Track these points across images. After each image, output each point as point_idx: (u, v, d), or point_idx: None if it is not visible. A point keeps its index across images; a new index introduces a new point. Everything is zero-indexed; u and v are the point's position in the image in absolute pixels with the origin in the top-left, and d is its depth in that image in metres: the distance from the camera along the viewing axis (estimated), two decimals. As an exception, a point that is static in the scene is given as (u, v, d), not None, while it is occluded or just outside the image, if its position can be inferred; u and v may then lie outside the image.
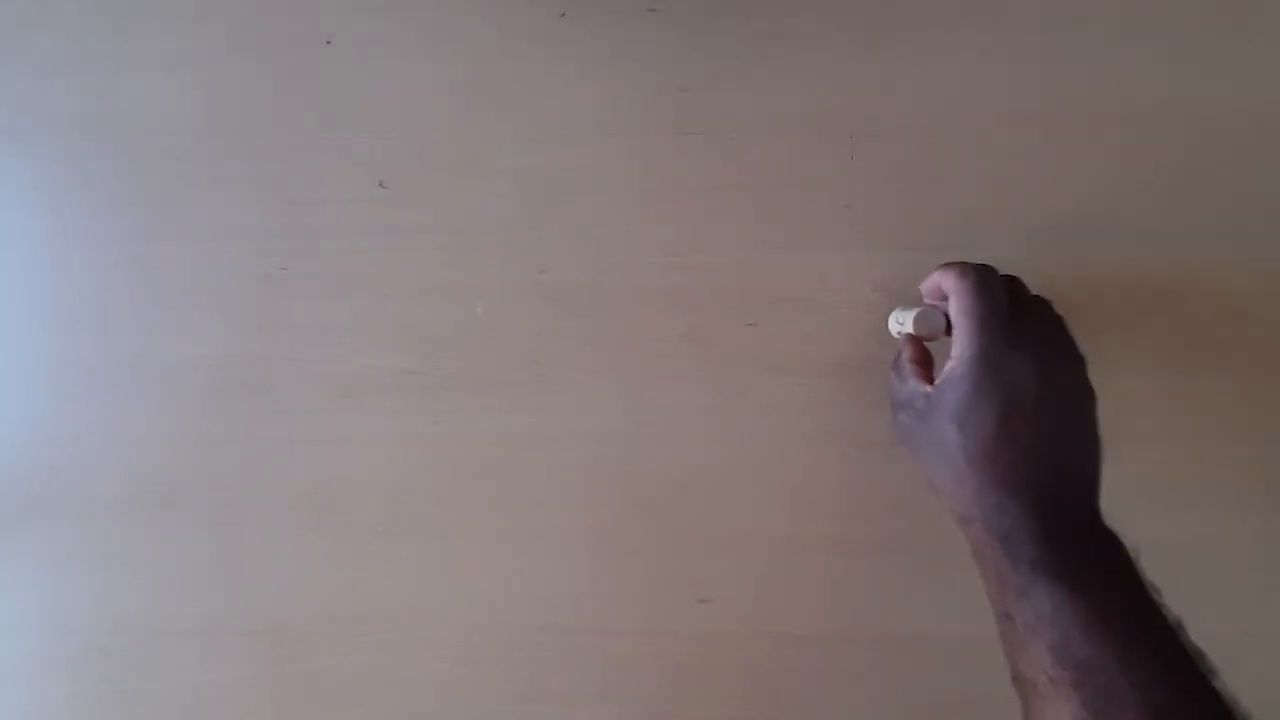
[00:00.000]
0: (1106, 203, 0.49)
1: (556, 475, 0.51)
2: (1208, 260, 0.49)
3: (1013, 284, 0.43)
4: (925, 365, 0.44)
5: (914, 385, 0.42)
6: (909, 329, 0.45)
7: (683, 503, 0.51)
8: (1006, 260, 0.49)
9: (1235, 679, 0.35)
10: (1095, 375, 0.49)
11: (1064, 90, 0.49)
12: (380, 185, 0.51)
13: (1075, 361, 0.41)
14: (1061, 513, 0.37)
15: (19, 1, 0.52)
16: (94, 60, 0.52)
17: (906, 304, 0.49)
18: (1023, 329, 0.39)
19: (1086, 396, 0.40)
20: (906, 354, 0.44)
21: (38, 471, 0.53)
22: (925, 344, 0.45)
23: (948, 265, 0.42)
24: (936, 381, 0.41)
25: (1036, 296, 0.44)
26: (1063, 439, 0.39)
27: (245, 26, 0.51)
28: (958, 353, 0.40)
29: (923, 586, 0.50)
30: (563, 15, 0.50)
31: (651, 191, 0.50)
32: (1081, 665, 0.34)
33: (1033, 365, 0.38)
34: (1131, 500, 0.49)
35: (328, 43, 0.51)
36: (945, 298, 0.42)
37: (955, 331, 0.41)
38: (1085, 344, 0.49)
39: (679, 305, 0.50)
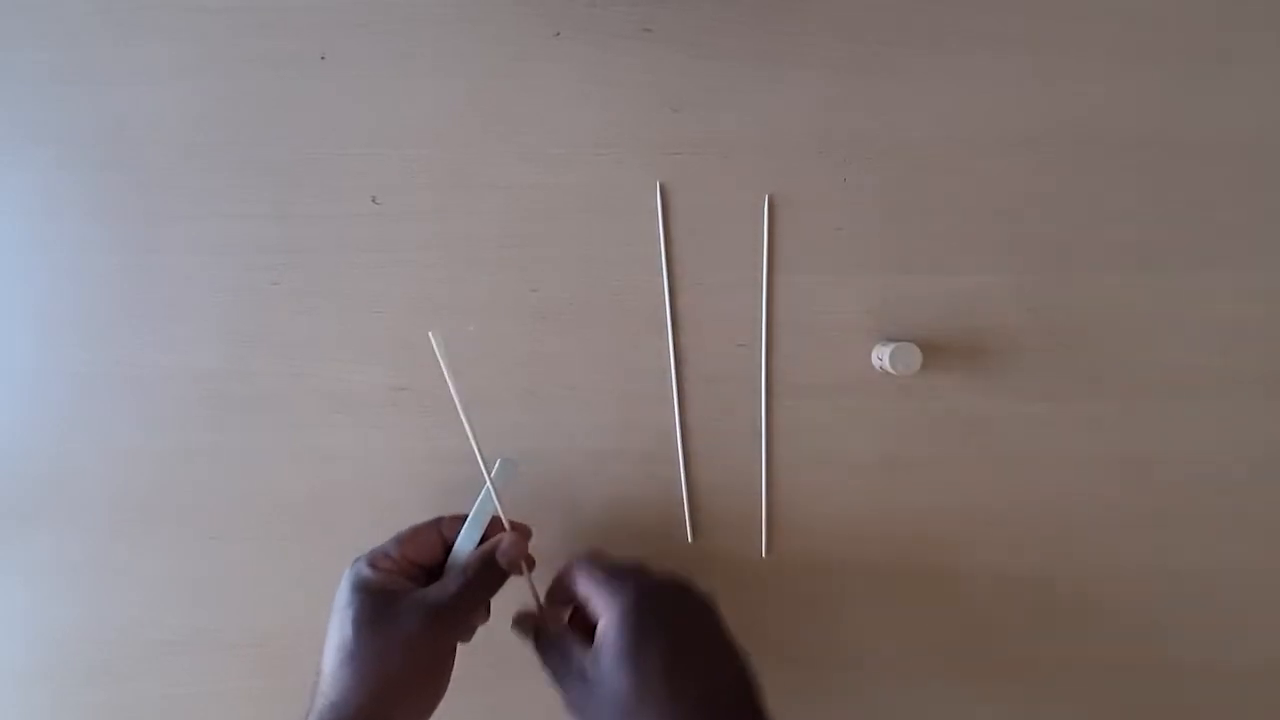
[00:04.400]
0: (1093, 228, 0.50)
1: (547, 493, 0.51)
2: (1194, 285, 0.50)
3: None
4: (583, 632, 0.42)
5: (579, 654, 0.41)
6: (887, 364, 0.46)
7: (670, 522, 0.51)
8: (994, 284, 0.50)
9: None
10: (1085, 402, 0.50)
11: (1053, 117, 0.49)
12: (373, 201, 0.51)
13: (693, 596, 0.42)
14: None
15: (19, 14, 0.52)
16: (90, 73, 0.52)
17: (888, 337, 0.49)
18: (643, 582, 0.41)
19: (714, 618, 0.42)
20: (553, 622, 0.43)
21: (27, 481, 0.53)
22: (576, 606, 0.44)
23: (574, 568, 0.43)
24: (596, 643, 0.40)
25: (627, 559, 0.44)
26: (716, 671, 0.40)
27: (241, 42, 0.51)
28: (605, 615, 0.40)
29: (914, 609, 0.51)
30: (557, 34, 0.50)
31: (643, 211, 0.51)
32: None
33: (671, 606, 0.41)
34: (1131, 525, 0.50)
35: (322, 58, 0.51)
36: (572, 598, 0.43)
37: (596, 603, 0.41)
38: (1072, 367, 0.50)
39: (670, 325, 0.51)
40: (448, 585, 0.42)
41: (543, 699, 0.42)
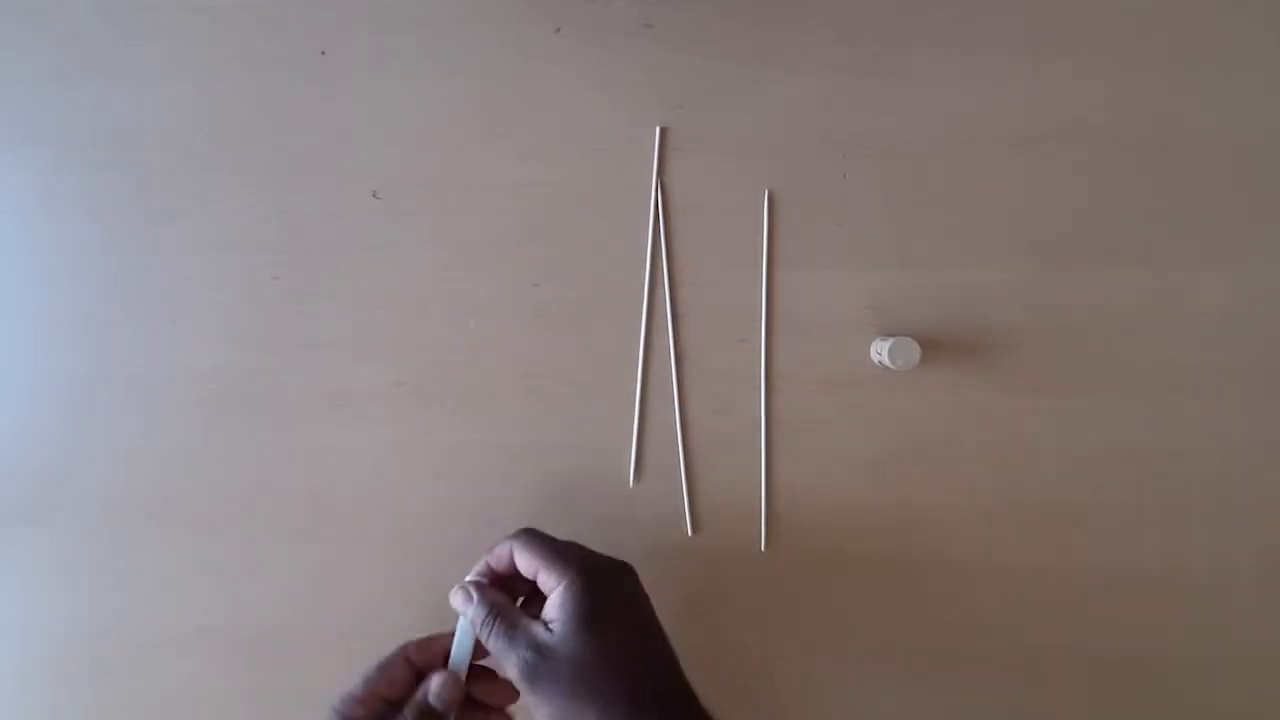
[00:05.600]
0: (1091, 224, 0.50)
1: (546, 489, 0.51)
2: (1191, 281, 0.50)
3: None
4: (532, 602, 0.44)
5: (530, 624, 0.41)
6: (885, 358, 0.46)
7: (670, 516, 0.51)
8: (993, 279, 0.50)
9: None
10: (1083, 397, 0.50)
11: (1051, 115, 0.50)
12: (374, 197, 0.51)
13: (629, 575, 0.44)
14: (682, 712, 0.40)
15: (18, 13, 0.52)
16: (90, 72, 0.52)
17: (887, 332, 0.49)
18: (591, 555, 0.43)
19: (645, 598, 0.43)
20: (497, 599, 0.43)
21: (29, 480, 0.52)
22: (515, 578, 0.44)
23: (514, 545, 0.44)
24: (548, 614, 0.41)
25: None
26: (660, 646, 0.42)
27: (241, 38, 0.51)
28: (556, 585, 0.41)
29: (913, 603, 0.51)
30: (558, 31, 0.51)
31: (644, 208, 0.51)
32: None
33: (618, 580, 0.42)
34: (1129, 520, 0.50)
35: (323, 53, 0.51)
36: (513, 568, 0.43)
37: (546, 576, 0.42)
38: (1070, 362, 0.50)
39: (670, 321, 0.51)
40: None
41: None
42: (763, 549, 0.51)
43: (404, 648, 0.44)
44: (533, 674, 0.40)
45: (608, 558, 0.43)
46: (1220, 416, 0.50)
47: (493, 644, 0.42)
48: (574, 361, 0.51)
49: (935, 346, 0.49)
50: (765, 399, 0.51)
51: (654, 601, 0.43)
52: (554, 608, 0.41)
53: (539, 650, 0.40)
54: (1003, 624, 0.51)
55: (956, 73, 0.50)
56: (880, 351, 0.48)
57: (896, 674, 0.51)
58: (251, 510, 0.52)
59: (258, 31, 0.51)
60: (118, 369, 0.52)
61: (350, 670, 0.42)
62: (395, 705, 0.43)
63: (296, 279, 0.51)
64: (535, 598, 0.43)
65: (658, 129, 0.50)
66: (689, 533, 0.51)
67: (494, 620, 0.42)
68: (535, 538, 0.43)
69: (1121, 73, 0.50)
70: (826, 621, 0.51)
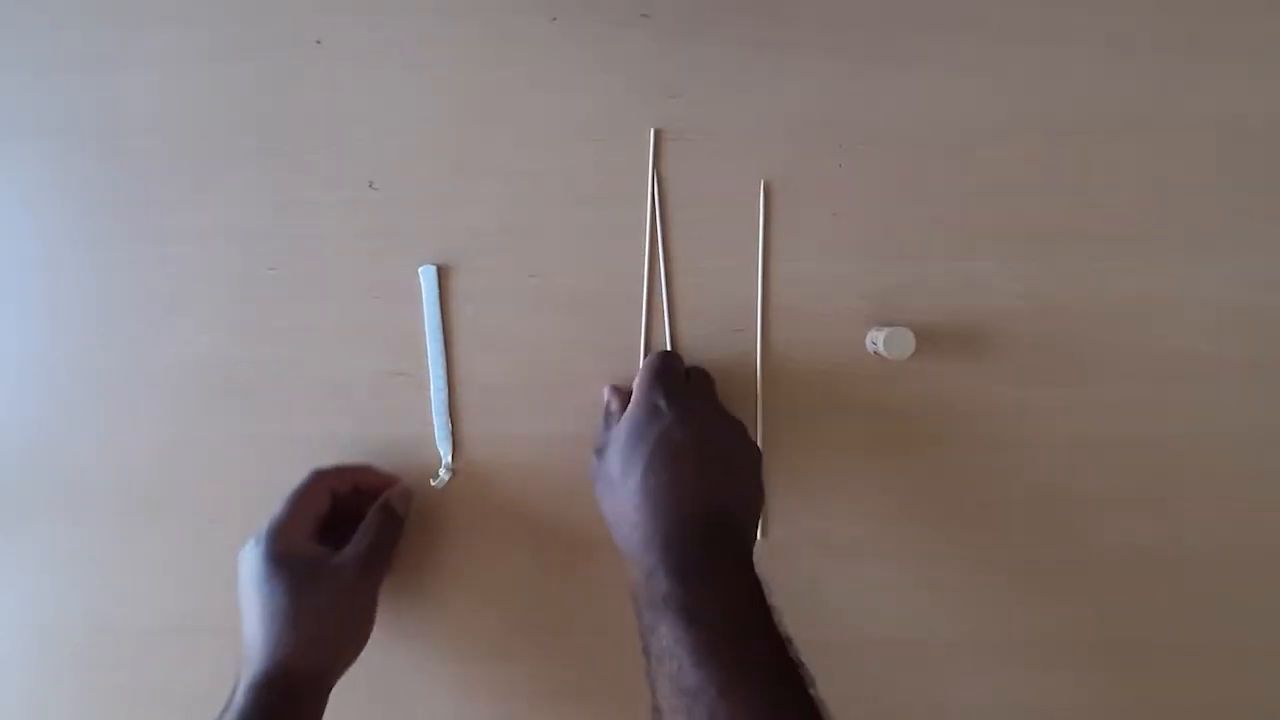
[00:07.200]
0: (1086, 214, 0.50)
1: (546, 479, 0.51)
2: (1185, 271, 0.50)
3: (682, 366, 0.48)
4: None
5: (610, 430, 0.46)
6: (881, 348, 0.47)
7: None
8: (988, 269, 0.50)
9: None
10: (1079, 387, 0.50)
11: (1049, 104, 0.50)
12: (370, 187, 0.51)
13: (729, 424, 0.46)
14: (700, 553, 0.40)
15: (19, 3, 0.51)
16: (84, 62, 0.51)
17: (883, 322, 0.50)
18: (682, 396, 0.45)
19: (746, 454, 0.45)
20: (614, 404, 0.48)
21: (25, 472, 0.52)
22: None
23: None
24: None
25: (698, 370, 0.49)
26: (713, 488, 0.42)
27: (235, 27, 0.51)
28: (630, 405, 0.45)
29: (910, 591, 0.51)
30: (554, 20, 0.50)
31: (641, 197, 0.51)
32: (688, 693, 0.36)
33: (685, 422, 0.43)
34: (1122, 508, 0.51)
35: (318, 43, 0.51)
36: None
37: (634, 390, 0.46)
38: (1065, 352, 0.50)
39: (667, 311, 0.51)
40: (360, 544, 0.47)
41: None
42: (760, 537, 0.51)
43: (318, 475, 0.48)
44: (593, 477, 0.46)
45: (696, 401, 0.46)
46: (1218, 407, 0.50)
47: (595, 435, 0.48)
48: (572, 351, 0.51)
49: (931, 336, 0.50)
50: (762, 388, 0.51)
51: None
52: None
53: (599, 453, 0.46)
54: (999, 613, 0.51)
55: (953, 62, 0.50)
56: (876, 341, 0.48)
57: (892, 665, 0.52)
58: (250, 499, 0.52)
59: (254, 21, 0.51)
60: (114, 359, 0.52)
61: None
62: (318, 524, 0.47)
63: (294, 267, 0.51)
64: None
65: (654, 120, 0.50)
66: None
67: (604, 418, 0.49)
68: (658, 358, 0.47)
69: (1117, 60, 0.50)
70: (823, 610, 0.52)
